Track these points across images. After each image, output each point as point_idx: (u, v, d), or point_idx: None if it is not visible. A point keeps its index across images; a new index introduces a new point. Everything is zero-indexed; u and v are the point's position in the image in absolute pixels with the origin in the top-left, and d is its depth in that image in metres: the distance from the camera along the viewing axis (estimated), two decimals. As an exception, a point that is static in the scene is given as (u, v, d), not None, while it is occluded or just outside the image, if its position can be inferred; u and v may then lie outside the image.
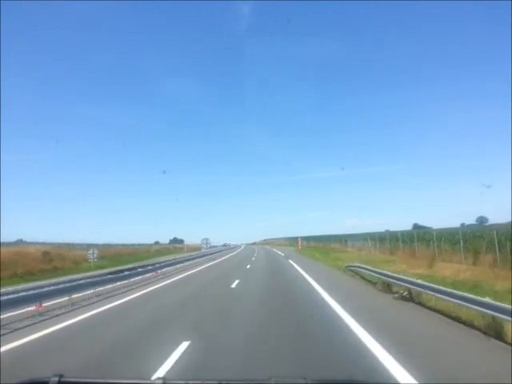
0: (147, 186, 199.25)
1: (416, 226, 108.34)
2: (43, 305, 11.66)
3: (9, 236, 67.33)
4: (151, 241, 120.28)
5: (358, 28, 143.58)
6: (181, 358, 6.40)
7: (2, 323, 9.74)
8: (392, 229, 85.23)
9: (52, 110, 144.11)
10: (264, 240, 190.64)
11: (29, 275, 27.93)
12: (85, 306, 12.91)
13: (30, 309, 11.27)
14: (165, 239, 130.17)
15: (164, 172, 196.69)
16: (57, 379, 1.64)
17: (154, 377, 5.09)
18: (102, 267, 34.48)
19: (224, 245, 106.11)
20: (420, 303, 10.94)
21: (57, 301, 12.70)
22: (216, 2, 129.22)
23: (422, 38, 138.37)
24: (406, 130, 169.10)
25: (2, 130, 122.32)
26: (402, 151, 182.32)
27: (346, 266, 22.14)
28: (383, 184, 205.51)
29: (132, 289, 17.34)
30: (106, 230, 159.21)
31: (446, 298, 8.93)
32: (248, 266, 31.23)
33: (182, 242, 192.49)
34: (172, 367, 5.91)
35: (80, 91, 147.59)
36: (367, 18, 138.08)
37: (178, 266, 30.50)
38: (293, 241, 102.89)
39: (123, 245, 73.61)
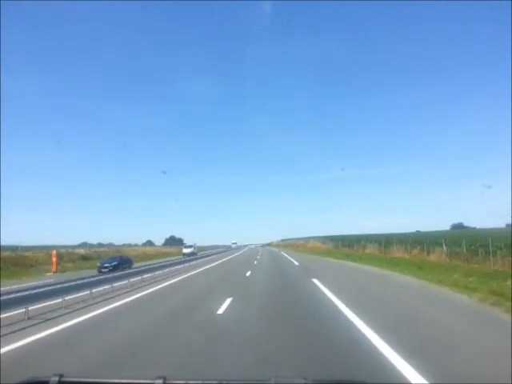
0: (148, 187, 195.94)
1: (457, 226, 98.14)
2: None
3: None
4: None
5: (359, 28, 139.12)
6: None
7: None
8: (422, 229, 78.23)
9: (50, 109, 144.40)
10: (282, 240, 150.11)
11: None
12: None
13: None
14: (160, 238, 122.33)
15: (164, 172, 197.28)
16: (57, 379, 1.61)
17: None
18: None
19: (187, 252, 55.36)
20: None
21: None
22: (220, 2, 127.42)
23: (422, 38, 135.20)
24: (422, 129, 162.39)
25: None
26: (424, 151, 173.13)
27: None
28: (407, 184, 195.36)
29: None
30: (101, 230, 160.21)
31: None
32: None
33: (180, 241, 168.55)
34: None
35: (79, 90, 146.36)
36: (367, 18, 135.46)
37: None
38: (340, 243, 57.18)
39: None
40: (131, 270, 19.55)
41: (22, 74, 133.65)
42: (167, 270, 22.69)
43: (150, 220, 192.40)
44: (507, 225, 79.94)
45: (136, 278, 17.69)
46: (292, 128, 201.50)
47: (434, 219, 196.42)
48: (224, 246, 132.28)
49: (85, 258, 43.69)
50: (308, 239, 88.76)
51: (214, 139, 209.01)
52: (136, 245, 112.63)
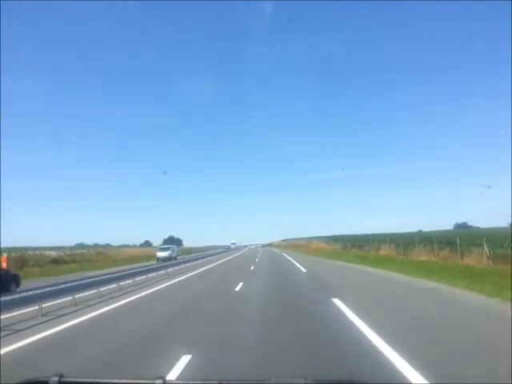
0: (148, 187, 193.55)
1: (460, 226, 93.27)
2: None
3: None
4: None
5: (359, 28, 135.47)
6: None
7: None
8: (424, 229, 75.71)
9: (50, 109, 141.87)
10: (283, 240, 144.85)
11: None
12: None
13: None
14: (159, 239, 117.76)
15: (164, 173, 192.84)
16: (57, 379, 1.56)
17: None
18: None
19: (163, 256, 43.54)
20: None
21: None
22: (220, 2, 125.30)
23: (422, 38, 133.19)
24: (422, 129, 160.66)
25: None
26: (424, 151, 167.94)
27: None
28: (408, 184, 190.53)
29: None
30: (100, 231, 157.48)
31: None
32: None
33: (179, 242, 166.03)
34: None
35: (79, 90, 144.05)
36: (367, 18, 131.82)
37: None
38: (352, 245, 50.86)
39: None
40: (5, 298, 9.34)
41: (21, 73, 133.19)
42: (115, 285, 15.55)
43: (149, 220, 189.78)
44: (510, 224, 76.91)
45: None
46: (292, 128, 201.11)
47: (435, 219, 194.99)
48: (223, 247, 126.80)
49: (56, 261, 37.79)
50: (310, 239, 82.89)
51: (213, 139, 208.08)
52: (134, 245, 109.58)
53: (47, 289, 10.67)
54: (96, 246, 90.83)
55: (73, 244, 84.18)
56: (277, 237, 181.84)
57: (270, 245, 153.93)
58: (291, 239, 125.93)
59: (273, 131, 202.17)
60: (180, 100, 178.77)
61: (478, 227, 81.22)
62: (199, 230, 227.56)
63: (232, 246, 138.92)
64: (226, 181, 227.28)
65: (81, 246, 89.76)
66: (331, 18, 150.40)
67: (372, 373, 4.93)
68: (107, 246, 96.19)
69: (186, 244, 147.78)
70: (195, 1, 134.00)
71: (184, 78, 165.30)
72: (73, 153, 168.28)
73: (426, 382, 4.45)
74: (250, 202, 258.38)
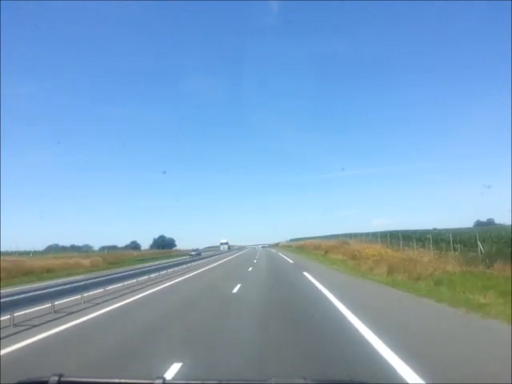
0: (145, 187, 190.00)
1: (484, 224, 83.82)
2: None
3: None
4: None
5: (360, 28, 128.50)
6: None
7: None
8: (439, 226, 65.35)
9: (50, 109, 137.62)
10: (291, 240, 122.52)
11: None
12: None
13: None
14: (149, 239, 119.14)
15: (164, 172, 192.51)
16: (56, 379, 1.57)
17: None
18: None
19: None
20: None
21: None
22: (221, 2, 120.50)
23: (422, 37, 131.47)
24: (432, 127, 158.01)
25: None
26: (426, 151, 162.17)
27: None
28: (419, 182, 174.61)
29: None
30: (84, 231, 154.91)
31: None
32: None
33: (172, 242, 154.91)
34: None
35: (79, 90, 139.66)
36: (368, 18, 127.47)
37: None
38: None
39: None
40: None
41: (22, 74, 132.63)
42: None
43: (140, 219, 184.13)
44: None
45: None
46: (293, 127, 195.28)
47: (444, 217, 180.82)
48: (209, 249, 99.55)
49: None
50: (337, 238, 58.43)
51: (214, 139, 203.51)
52: (126, 246, 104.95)
53: None
54: (72, 247, 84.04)
55: (44, 247, 76.91)
56: (282, 236, 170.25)
57: (276, 245, 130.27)
58: (302, 238, 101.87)
59: (282, 130, 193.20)
60: (180, 100, 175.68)
61: (503, 224, 68.07)
62: (197, 231, 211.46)
63: (222, 248, 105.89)
64: (225, 181, 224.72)
65: (53, 248, 79.84)
66: (331, 18, 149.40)
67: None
68: (86, 246, 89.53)
69: (179, 245, 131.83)
70: (196, 1, 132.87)
71: (183, 77, 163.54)
72: (69, 153, 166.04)
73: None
74: (250, 202, 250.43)
